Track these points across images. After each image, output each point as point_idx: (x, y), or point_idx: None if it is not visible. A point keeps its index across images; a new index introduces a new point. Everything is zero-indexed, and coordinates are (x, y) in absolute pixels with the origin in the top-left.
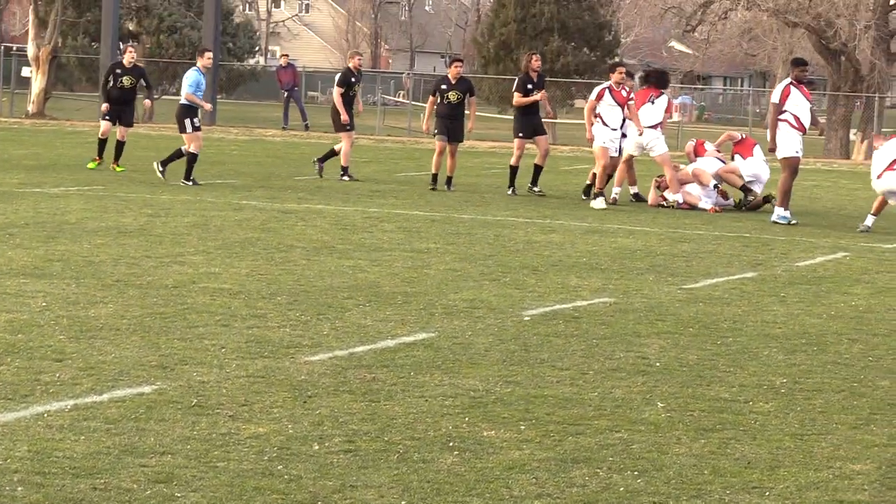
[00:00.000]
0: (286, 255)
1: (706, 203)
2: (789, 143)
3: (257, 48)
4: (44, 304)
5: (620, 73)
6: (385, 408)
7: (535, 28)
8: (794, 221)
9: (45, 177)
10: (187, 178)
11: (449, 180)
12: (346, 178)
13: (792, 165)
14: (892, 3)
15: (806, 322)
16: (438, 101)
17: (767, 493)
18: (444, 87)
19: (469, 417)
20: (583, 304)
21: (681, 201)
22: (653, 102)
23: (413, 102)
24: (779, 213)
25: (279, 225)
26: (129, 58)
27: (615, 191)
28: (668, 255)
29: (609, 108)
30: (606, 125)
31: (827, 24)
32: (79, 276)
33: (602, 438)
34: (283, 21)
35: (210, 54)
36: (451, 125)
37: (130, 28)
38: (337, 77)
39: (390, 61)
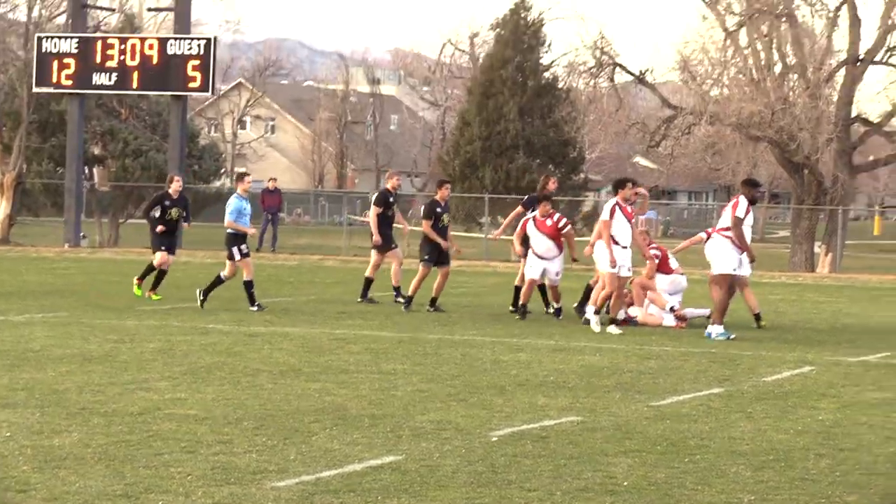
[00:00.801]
0: (252, 379)
1: (670, 321)
2: (728, 259)
3: (223, 170)
4: (7, 433)
5: (634, 190)
6: None
7: (500, 145)
8: (732, 336)
9: (10, 304)
10: (252, 303)
11: (433, 301)
12: (399, 299)
13: (728, 282)
14: (853, 116)
15: (773, 438)
16: (432, 224)
17: None
18: (438, 209)
19: None
20: (550, 424)
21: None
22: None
23: None
24: (716, 330)
25: (245, 348)
26: (175, 187)
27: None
28: (635, 373)
29: (620, 227)
30: (618, 243)
31: (790, 138)
32: (43, 404)
33: None
34: (249, 142)
35: (250, 178)
36: (442, 249)
37: (95, 152)
38: (374, 197)
39: (356, 181)
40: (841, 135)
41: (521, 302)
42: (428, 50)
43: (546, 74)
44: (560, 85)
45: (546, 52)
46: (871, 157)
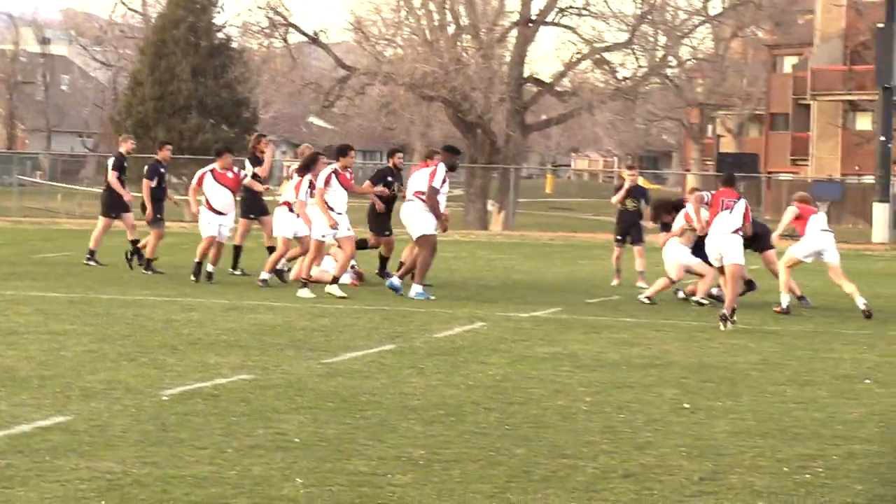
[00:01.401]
0: None
1: (346, 278)
2: (428, 221)
3: None
4: None
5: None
6: (19, 494)
7: (173, 106)
8: (432, 297)
9: None
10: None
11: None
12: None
13: (431, 243)
14: (525, 76)
15: (444, 393)
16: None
17: None
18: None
19: (105, 501)
20: (222, 382)
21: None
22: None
23: (50, 183)
24: (416, 290)
25: None
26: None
27: None
28: (307, 330)
29: (336, 194)
30: (333, 209)
31: (463, 98)
32: None
33: None
34: None
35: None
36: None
37: None
38: (111, 162)
39: (27, 141)
40: (513, 95)
41: (196, 260)
42: (99, 10)
43: (220, 35)
44: (233, 45)
45: (219, 12)
46: (543, 117)
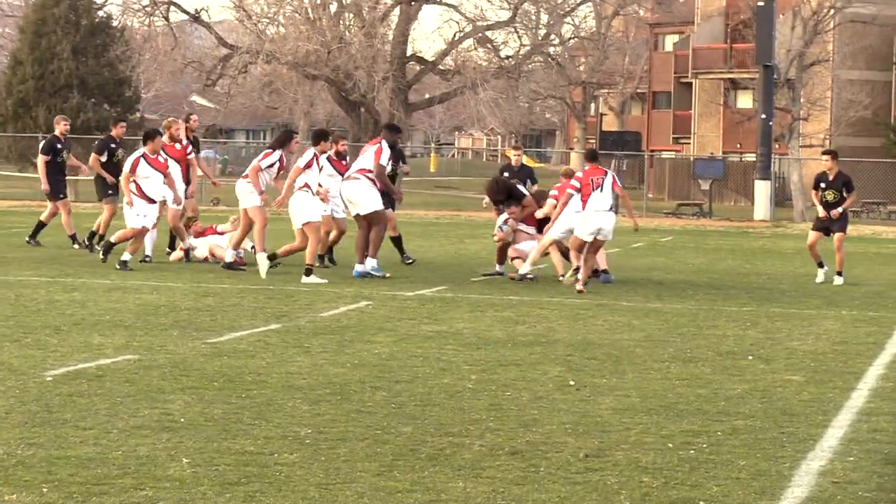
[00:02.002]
0: None
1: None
2: (375, 197)
3: None
4: None
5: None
6: None
7: (53, 85)
8: (387, 275)
9: None
10: None
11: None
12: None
13: (385, 218)
14: (408, 54)
15: (330, 372)
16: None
17: None
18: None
19: None
20: (106, 363)
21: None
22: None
23: None
24: (370, 263)
25: None
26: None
27: None
28: (192, 310)
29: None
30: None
31: (346, 77)
32: None
33: (126, 497)
34: None
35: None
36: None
37: None
38: (41, 145)
39: None
40: (396, 73)
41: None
42: None
43: (100, 13)
44: (114, 24)
45: None
46: (427, 96)
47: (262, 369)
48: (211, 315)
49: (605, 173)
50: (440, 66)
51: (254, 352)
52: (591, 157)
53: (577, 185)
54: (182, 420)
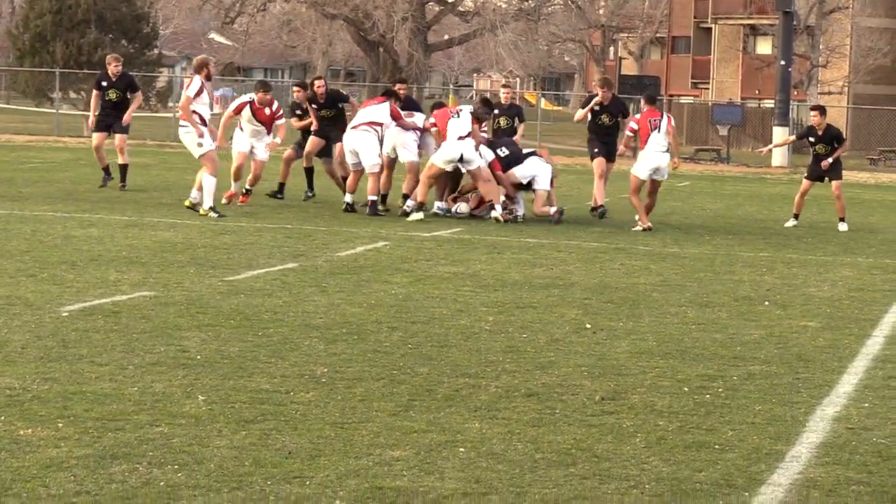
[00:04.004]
0: None
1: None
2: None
3: None
4: None
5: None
6: None
7: (71, 20)
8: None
9: None
10: None
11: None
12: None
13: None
14: None
15: (346, 311)
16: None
17: (308, 482)
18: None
19: (5, 416)
20: (122, 299)
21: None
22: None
23: None
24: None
25: None
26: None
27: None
28: (209, 248)
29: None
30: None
31: (365, 16)
32: None
33: (142, 434)
34: None
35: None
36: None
37: None
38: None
39: None
40: (416, 14)
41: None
42: None
43: None
44: None
45: None
46: (446, 37)
47: (279, 308)
48: (228, 253)
49: (662, 115)
50: (459, 8)
51: (271, 290)
52: (649, 99)
53: (636, 126)
54: (198, 357)
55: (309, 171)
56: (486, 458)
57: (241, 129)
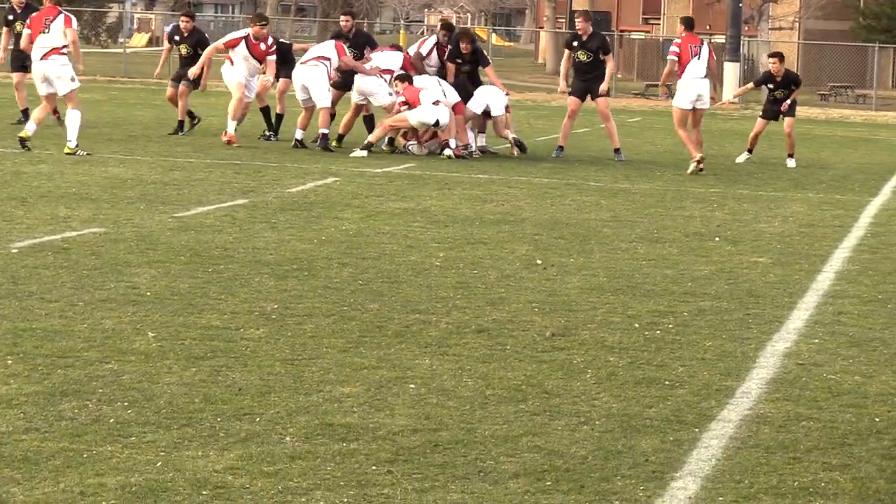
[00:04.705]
0: None
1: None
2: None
3: None
4: None
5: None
6: None
7: None
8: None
9: None
10: None
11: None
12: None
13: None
14: None
15: (297, 248)
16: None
17: (258, 419)
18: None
19: None
20: (72, 235)
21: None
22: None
23: None
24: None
25: None
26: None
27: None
28: (159, 184)
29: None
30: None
31: None
32: None
33: (92, 370)
34: None
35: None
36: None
37: None
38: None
39: None
40: None
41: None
42: None
43: None
44: None
45: None
46: None
47: (229, 244)
48: (178, 189)
49: (702, 42)
50: None
51: (220, 226)
52: (689, 25)
53: (678, 51)
54: (148, 294)
55: (265, 111)
56: (437, 394)
57: (232, 62)
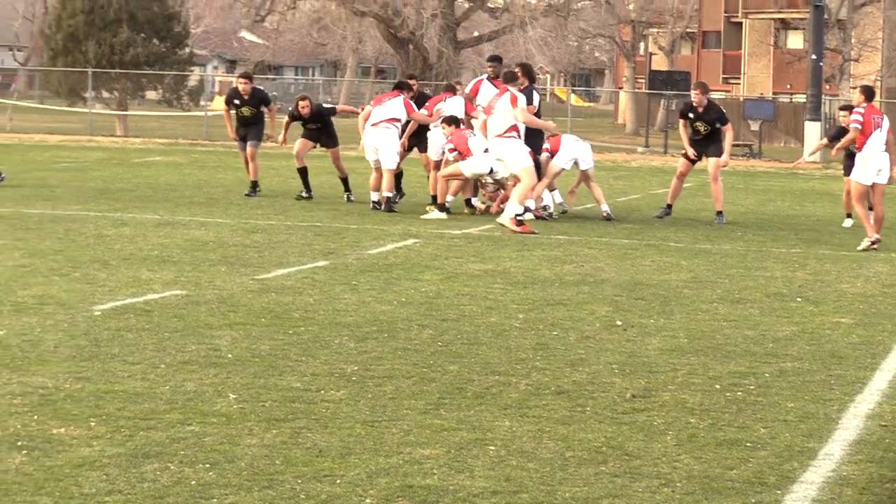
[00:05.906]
0: None
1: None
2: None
3: None
4: None
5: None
6: None
7: (103, 19)
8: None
9: None
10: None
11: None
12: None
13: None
14: None
15: (377, 309)
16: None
17: (339, 481)
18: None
19: (38, 415)
20: (154, 298)
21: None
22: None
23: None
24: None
25: None
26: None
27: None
28: (240, 246)
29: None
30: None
31: (394, 13)
32: None
33: (174, 432)
34: None
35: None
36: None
37: None
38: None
39: None
40: (445, 10)
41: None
42: None
43: None
44: None
45: None
46: (476, 33)
47: (310, 306)
48: (259, 251)
49: (882, 114)
50: (489, 4)
51: (301, 288)
52: (869, 95)
53: (860, 119)
54: (229, 356)
55: (303, 172)
56: (517, 456)
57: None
